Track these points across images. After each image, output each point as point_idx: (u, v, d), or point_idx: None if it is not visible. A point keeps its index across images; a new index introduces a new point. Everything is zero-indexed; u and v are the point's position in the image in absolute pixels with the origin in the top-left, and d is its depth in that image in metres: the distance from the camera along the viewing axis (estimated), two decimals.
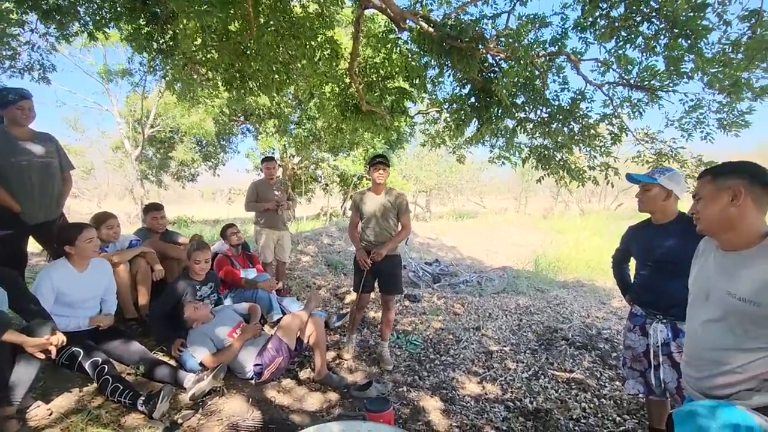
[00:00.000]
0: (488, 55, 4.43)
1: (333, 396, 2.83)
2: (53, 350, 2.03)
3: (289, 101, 13.37)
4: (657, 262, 2.13)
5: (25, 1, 3.99)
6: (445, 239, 13.37)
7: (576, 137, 4.55)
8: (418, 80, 5.02)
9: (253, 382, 2.79)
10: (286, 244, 4.81)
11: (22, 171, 2.70)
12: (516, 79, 4.28)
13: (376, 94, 5.32)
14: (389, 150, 16.78)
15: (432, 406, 2.88)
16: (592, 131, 4.57)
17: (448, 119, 5.41)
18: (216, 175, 18.66)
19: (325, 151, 15.62)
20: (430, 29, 3.93)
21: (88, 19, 4.63)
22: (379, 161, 3.40)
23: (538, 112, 4.78)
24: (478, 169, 25.99)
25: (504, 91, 4.00)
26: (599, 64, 4.18)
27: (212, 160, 17.63)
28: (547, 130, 4.72)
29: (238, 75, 4.61)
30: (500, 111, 4.92)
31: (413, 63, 4.45)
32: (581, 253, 10.68)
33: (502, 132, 5.12)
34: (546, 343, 4.33)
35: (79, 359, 2.35)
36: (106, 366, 2.35)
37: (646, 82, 4.05)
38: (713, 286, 1.36)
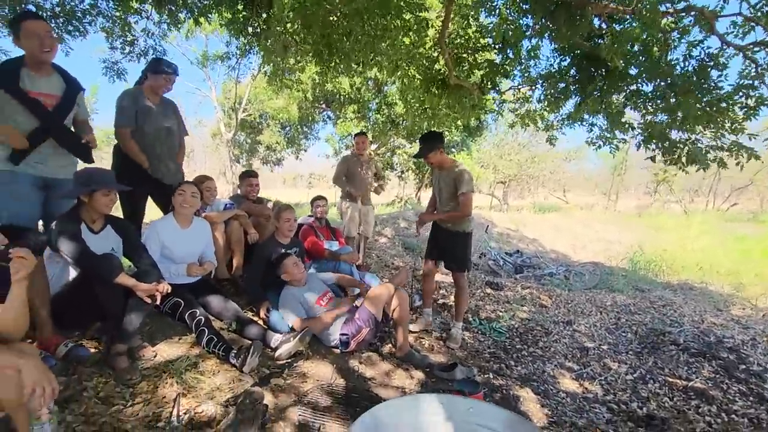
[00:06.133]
0: (595, 18, 3.91)
1: (416, 374, 2.70)
2: (159, 297, 2.14)
3: (370, 87, 13.46)
4: None
5: None
6: (525, 231, 12.61)
7: (705, 112, 3.84)
8: (513, 51, 4.63)
9: (338, 350, 2.76)
10: (370, 219, 4.82)
11: (152, 134, 2.90)
12: (631, 43, 3.73)
13: (464, 68, 5.02)
14: (468, 137, 16.17)
15: (524, 396, 2.63)
16: (724, 104, 3.83)
17: (545, 94, 4.93)
18: (299, 159, 19.51)
19: (402, 137, 15.51)
20: None
21: (194, 7, 5.04)
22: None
23: (655, 83, 4.15)
24: (564, 160, 24.04)
25: (617, 58, 3.50)
26: (742, 21, 3.47)
27: (295, 144, 18.45)
28: (665, 105, 4.08)
29: (325, 49, 4.61)
30: (607, 84, 4.37)
31: (511, 27, 4.06)
32: (688, 253, 9.40)
33: (607, 108, 4.53)
34: (650, 346, 3.81)
35: (180, 309, 2.48)
36: (203, 318, 2.45)
37: None
38: None
